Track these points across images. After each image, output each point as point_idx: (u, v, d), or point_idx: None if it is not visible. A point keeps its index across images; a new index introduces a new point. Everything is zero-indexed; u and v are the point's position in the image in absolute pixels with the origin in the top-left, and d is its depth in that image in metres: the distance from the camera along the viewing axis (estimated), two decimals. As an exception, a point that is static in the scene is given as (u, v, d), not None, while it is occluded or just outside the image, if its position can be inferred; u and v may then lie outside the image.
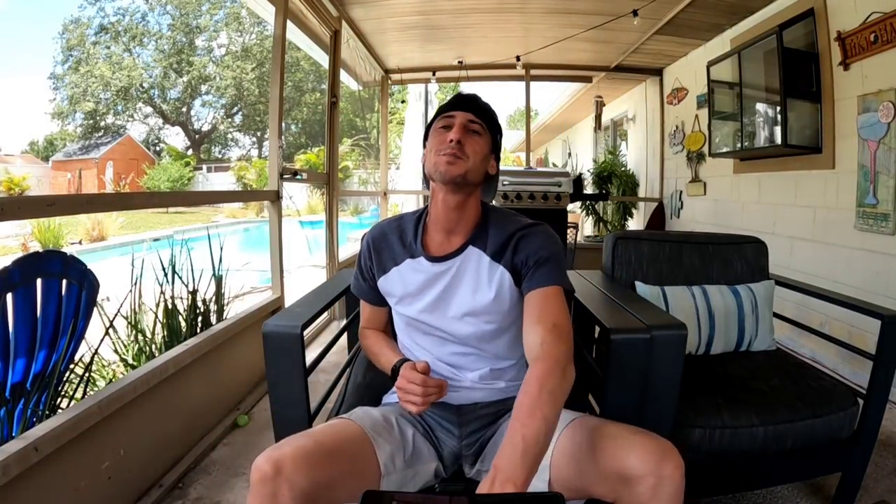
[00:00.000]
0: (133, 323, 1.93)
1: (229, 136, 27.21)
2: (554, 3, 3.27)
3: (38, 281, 1.32)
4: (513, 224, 0.99)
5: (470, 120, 0.97)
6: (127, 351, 1.90)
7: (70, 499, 1.19)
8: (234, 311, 2.24)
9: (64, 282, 1.39)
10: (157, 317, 1.93)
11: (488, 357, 1.02)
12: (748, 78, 3.00)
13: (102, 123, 23.82)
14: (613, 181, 5.34)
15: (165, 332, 1.94)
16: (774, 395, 1.28)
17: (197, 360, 1.73)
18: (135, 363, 1.86)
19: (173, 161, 20.68)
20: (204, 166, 22.97)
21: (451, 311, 0.98)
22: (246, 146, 27.60)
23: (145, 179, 19.12)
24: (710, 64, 3.41)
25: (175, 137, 26.45)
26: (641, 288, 1.56)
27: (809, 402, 1.26)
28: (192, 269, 2.07)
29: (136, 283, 1.97)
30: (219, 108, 26.00)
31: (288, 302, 2.10)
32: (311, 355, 1.13)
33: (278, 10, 2.44)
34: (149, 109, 25.15)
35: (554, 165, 8.78)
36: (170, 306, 1.95)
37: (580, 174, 4.63)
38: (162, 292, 1.96)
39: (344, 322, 1.46)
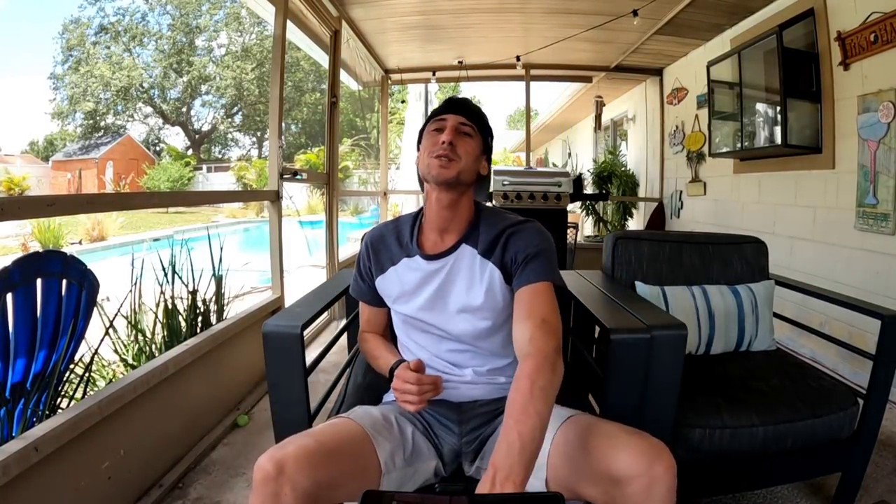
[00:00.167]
0: (133, 323, 1.93)
1: (229, 136, 27.23)
2: (554, 3, 3.27)
3: (38, 281, 1.32)
4: (503, 222, 1.02)
5: (461, 122, 1.00)
6: (127, 351, 1.90)
7: (70, 499, 1.19)
8: (234, 311, 2.24)
9: (64, 282, 1.39)
10: (157, 317, 1.93)
11: (485, 354, 1.04)
12: (748, 78, 3.00)
13: (102, 123, 23.83)
14: (613, 181, 5.34)
15: (165, 332, 1.94)
16: (774, 395, 1.28)
17: (197, 360, 1.73)
18: (135, 363, 1.86)
19: (173, 161, 20.69)
20: (204, 166, 22.97)
21: (447, 308, 1.00)
22: (246, 146, 27.66)
23: (145, 179, 19.13)
24: (710, 64, 3.41)
25: (175, 137, 26.51)
26: (641, 288, 1.56)
27: (809, 402, 1.26)
28: (192, 269, 2.06)
29: (136, 283, 1.97)
30: (219, 108, 26.02)
31: (288, 302, 2.10)
32: (311, 355, 1.13)
33: (278, 10, 2.44)
34: (149, 109, 25.17)
35: (554, 165, 8.78)
36: (170, 306, 1.95)
37: (580, 174, 4.63)
38: (162, 292, 1.96)
39: (344, 322, 1.46)
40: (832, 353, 2.49)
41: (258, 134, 26.60)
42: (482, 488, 0.70)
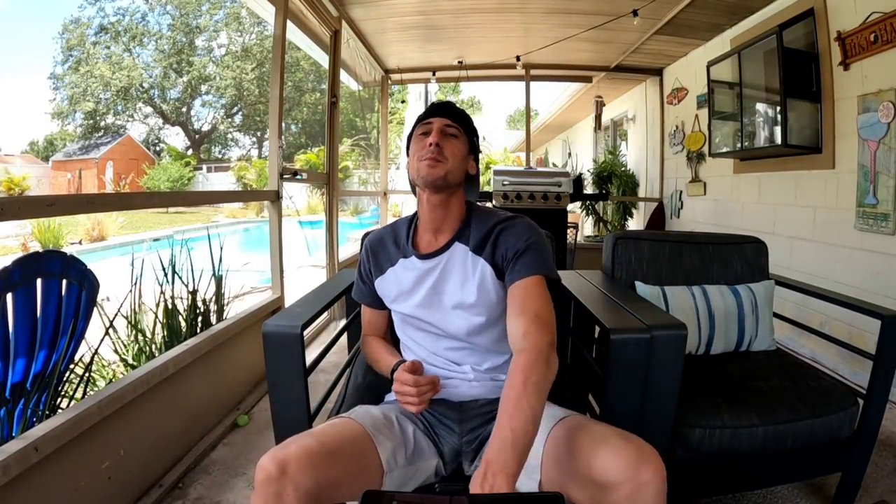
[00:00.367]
0: (133, 323, 1.93)
1: (229, 136, 27.21)
2: (554, 3, 3.27)
3: (38, 281, 1.32)
4: (493, 219, 1.04)
5: (447, 124, 1.03)
6: (127, 351, 1.90)
7: (70, 499, 1.19)
8: (234, 311, 2.24)
9: (64, 282, 1.39)
10: (157, 317, 1.93)
11: (481, 351, 1.05)
12: (748, 78, 3.00)
13: (102, 123, 23.81)
14: (613, 181, 5.34)
15: (165, 332, 1.94)
16: (774, 395, 1.28)
17: (197, 360, 1.73)
18: (135, 363, 1.86)
19: (173, 161, 20.69)
20: (204, 166, 22.97)
21: (442, 305, 1.03)
22: (246, 146, 27.63)
23: (145, 179, 19.13)
24: (710, 64, 3.41)
25: (175, 137, 26.49)
26: (641, 288, 1.56)
27: (809, 402, 1.26)
28: (192, 270, 2.07)
29: (136, 283, 1.97)
30: (219, 108, 26.00)
31: (288, 302, 2.10)
32: (311, 355, 1.14)
33: (278, 10, 2.44)
34: (149, 109, 25.15)
35: (554, 165, 8.78)
36: (170, 306, 1.95)
37: (580, 174, 4.63)
38: (162, 292, 1.96)
39: (344, 322, 1.46)
40: (832, 353, 2.49)
41: (258, 134, 26.58)
42: (475, 481, 0.72)
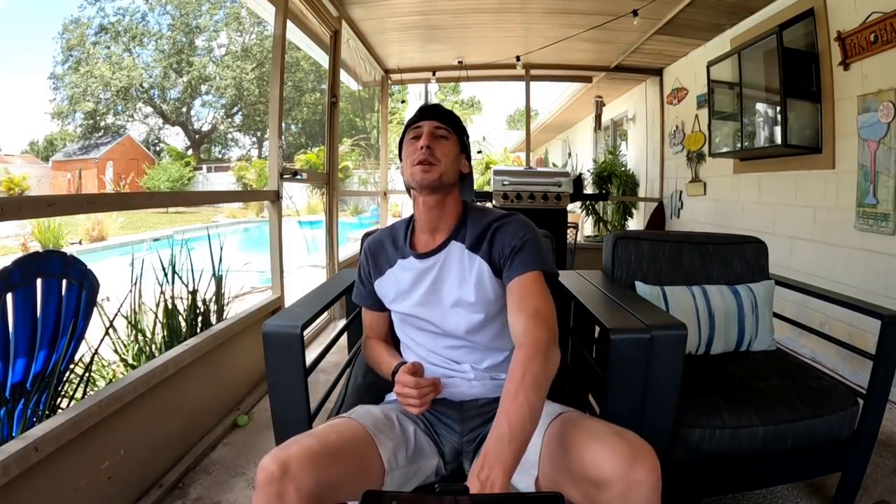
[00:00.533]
0: (133, 323, 1.93)
1: (229, 136, 27.20)
2: (554, 3, 3.27)
3: (38, 281, 1.32)
4: (488, 217, 1.06)
5: (436, 126, 1.04)
6: (127, 351, 1.90)
7: (70, 499, 1.19)
8: (234, 311, 2.24)
9: (64, 282, 1.39)
10: (157, 317, 1.93)
11: (480, 349, 1.06)
12: (748, 78, 3.00)
13: (102, 123, 23.82)
14: (613, 181, 5.34)
15: (165, 332, 1.94)
16: (774, 395, 1.28)
17: (197, 360, 1.73)
18: (135, 363, 1.86)
19: (173, 161, 20.69)
20: (204, 166, 22.96)
21: (441, 303, 1.03)
22: (246, 146, 27.62)
23: (145, 179, 19.12)
24: (710, 64, 3.41)
25: (175, 137, 26.49)
26: (641, 288, 1.56)
27: (809, 402, 1.26)
28: (192, 269, 2.07)
29: (136, 283, 1.97)
30: (219, 108, 26.00)
31: (288, 302, 2.10)
32: (311, 355, 1.14)
33: (278, 10, 2.44)
34: (149, 109, 25.15)
35: (554, 165, 8.78)
36: (170, 306, 1.95)
37: (580, 174, 4.63)
38: (162, 292, 1.96)
39: (344, 322, 1.46)
40: (832, 353, 2.49)
41: (258, 134, 26.59)
42: (472, 473, 0.72)
